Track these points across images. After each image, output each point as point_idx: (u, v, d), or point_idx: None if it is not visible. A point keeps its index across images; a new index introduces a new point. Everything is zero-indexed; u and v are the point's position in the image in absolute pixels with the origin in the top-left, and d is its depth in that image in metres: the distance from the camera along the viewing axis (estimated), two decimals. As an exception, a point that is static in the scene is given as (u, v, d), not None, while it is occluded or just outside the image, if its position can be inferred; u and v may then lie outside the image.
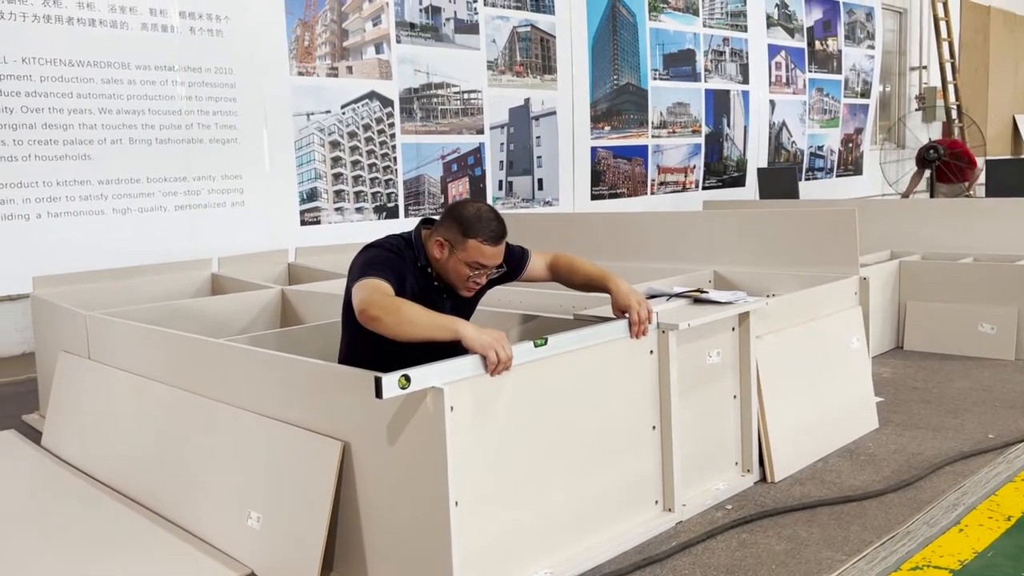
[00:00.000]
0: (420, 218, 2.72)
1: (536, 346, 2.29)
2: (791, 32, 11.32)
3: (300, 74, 6.46)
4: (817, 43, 11.80)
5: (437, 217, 2.64)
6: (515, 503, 2.28)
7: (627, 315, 2.59)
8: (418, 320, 2.23)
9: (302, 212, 6.54)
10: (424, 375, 2.05)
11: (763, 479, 3.03)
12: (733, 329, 2.96)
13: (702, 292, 3.00)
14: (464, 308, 2.69)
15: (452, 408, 2.06)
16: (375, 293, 2.32)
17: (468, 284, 2.55)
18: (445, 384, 2.06)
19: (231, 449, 2.66)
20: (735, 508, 2.80)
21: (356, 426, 2.28)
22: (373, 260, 2.50)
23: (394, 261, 2.52)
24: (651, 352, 2.66)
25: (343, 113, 6.71)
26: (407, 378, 2.00)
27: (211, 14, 5.91)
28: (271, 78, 6.27)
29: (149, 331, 3.18)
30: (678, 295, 3.00)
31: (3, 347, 5.16)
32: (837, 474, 3.07)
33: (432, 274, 2.59)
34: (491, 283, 2.72)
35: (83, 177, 5.37)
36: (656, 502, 2.70)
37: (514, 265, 2.77)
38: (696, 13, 9.88)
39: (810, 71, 11.68)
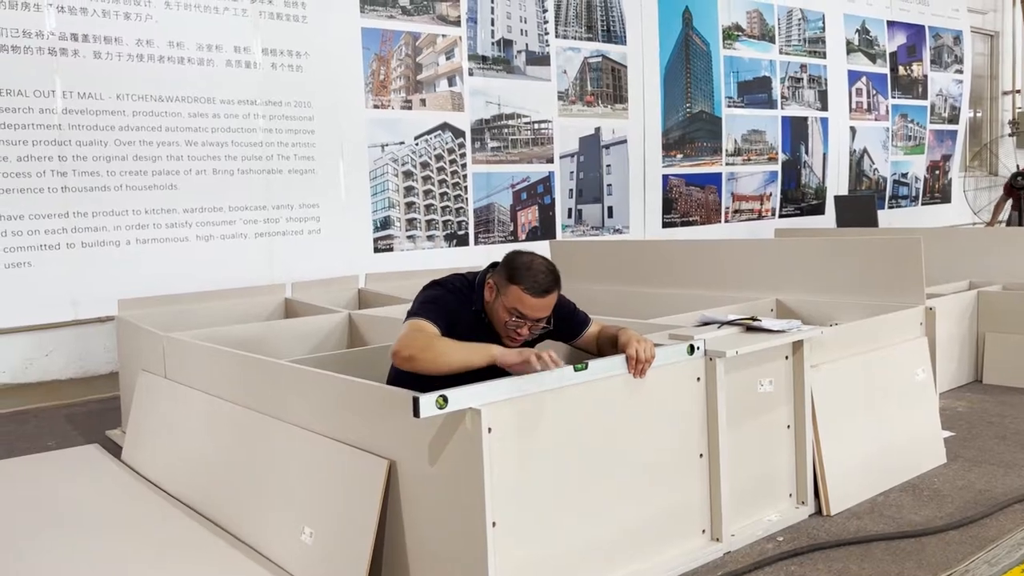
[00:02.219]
0: (491, 262, 2.72)
1: (576, 370, 2.32)
2: (873, 58, 11.09)
3: (375, 107, 6.68)
4: (901, 68, 11.53)
5: None
6: (556, 526, 2.30)
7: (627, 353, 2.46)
8: (452, 350, 2.31)
9: (375, 239, 6.73)
10: (462, 396, 2.11)
11: (818, 512, 2.96)
12: (786, 358, 2.92)
13: (755, 320, 2.98)
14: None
15: (490, 429, 2.11)
16: (413, 331, 2.41)
17: (509, 333, 2.56)
18: (483, 405, 2.11)
19: (288, 466, 2.77)
20: (786, 540, 2.76)
21: (401, 445, 2.35)
22: (429, 300, 2.56)
23: (450, 304, 2.56)
24: (698, 379, 2.65)
25: (416, 144, 6.89)
26: (444, 398, 2.06)
27: (291, 51, 6.18)
28: (348, 111, 6.50)
29: (215, 351, 3.34)
30: (730, 323, 2.99)
31: (93, 366, 5.46)
32: (897, 509, 2.98)
33: (486, 320, 2.62)
34: (541, 337, 2.73)
35: (170, 206, 5.66)
36: (703, 531, 2.67)
37: (570, 328, 2.76)
38: (772, 40, 9.80)
39: (893, 97, 11.41)
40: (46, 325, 5.29)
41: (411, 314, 2.53)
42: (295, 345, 4.15)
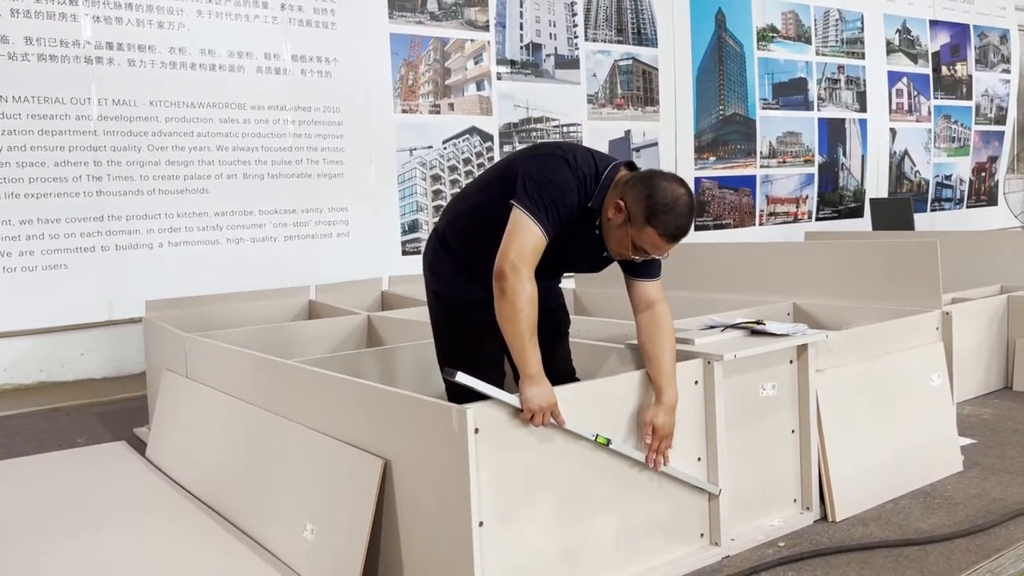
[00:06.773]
0: (625, 161, 2.48)
1: (596, 440, 2.36)
2: (914, 58, 10.87)
3: (404, 111, 6.76)
4: (944, 68, 11.27)
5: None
6: (547, 528, 2.32)
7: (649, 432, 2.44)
8: (515, 333, 2.23)
9: (403, 243, 6.80)
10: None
11: (824, 518, 2.93)
12: (791, 362, 2.90)
13: (759, 324, 2.96)
14: (597, 259, 2.55)
15: (477, 430, 2.14)
16: (529, 258, 2.24)
17: (620, 256, 2.42)
18: (470, 405, 2.14)
19: (293, 464, 2.83)
20: (787, 545, 2.73)
21: (395, 444, 2.39)
22: (556, 193, 2.30)
23: (568, 198, 2.32)
24: (696, 382, 2.65)
25: (444, 148, 6.95)
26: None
27: (321, 57, 6.28)
28: (376, 116, 6.58)
29: (227, 350, 3.42)
30: (734, 326, 2.97)
31: (126, 366, 5.60)
32: (905, 516, 2.94)
33: (596, 221, 2.41)
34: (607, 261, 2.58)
35: (201, 209, 5.79)
36: (701, 535, 2.67)
37: (637, 267, 2.56)
38: (808, 41, 9.67)
39: (936, 98, 11.17)
40: (81, 325, 5.44)
41: (532, 203, 2.26)
42: (315, 346, 4.23)
